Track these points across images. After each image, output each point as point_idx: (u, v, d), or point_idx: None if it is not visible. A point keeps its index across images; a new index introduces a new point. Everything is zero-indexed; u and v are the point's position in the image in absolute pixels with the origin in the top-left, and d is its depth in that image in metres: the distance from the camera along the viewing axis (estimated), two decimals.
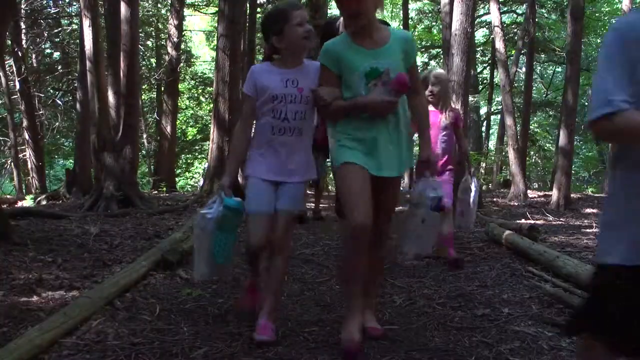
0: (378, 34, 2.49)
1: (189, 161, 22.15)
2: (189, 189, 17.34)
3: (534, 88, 21.54)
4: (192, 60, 20.17)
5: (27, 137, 13.10)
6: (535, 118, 21.36)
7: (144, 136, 17.70)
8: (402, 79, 2.40)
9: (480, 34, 20.80)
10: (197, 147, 21.76)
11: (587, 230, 6.03)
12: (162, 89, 16.34)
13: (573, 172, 12.51)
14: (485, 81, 21.03)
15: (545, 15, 18.76)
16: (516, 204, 9.38)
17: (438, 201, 2.57)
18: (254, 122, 2.69)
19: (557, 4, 17.19)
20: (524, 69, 17.56)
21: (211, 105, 15.18)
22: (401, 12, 17.08)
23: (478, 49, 19.96)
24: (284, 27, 2.53)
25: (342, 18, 3.89)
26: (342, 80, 2.49)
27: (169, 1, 15.92)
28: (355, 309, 2.49)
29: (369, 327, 2.65)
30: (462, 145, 4.45)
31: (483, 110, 19.46)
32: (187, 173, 21.47)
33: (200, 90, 21.15)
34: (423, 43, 19.09)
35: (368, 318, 2.67)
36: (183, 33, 16.47)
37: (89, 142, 9.25)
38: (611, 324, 1.37)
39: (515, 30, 18.78)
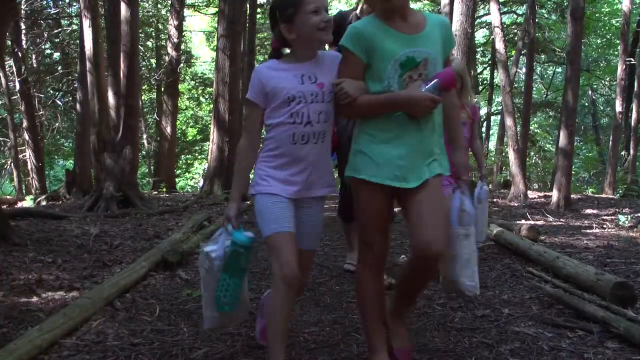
0: (413, 17, 2.09)
1: (189, 162, 22.20)
2: (189, 190, 17.35)
3: (534, 89, 21.56)
4: (192, 60, 20.19)
5: (27, 137, 13.10)
6: (535, 119, 21.37)
7: (144, 137, 17.71)
8: (450, 76, 2.03)
9: (480, 35, 20.82)
10: (197, 148, 21.81)
11: (587, 230, 6.02)
12: (162, 89, 16.36)
13: (573, 172, 12.51)
14: (485, 82, 21.04)
15: (546, 15, 18.77)
16: (516, 204, 9.38)
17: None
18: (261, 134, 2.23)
19: (557, 5, 17.20)
20: (524, 70, 17.55)
21: (211, 106, 15.19)
22: None
23: (478, 50, 19.99)
24: (295, 15, 2.09)
25: (359, 7, 3.78)
26: (370, 70, 2.06)
27: (169, 2, 15.93)
28: (379, 346, 2.19)
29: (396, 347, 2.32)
30: (474, 143, 3.98)
31: (483, 111, 19.42)
32: (187, 174, 21.50)
33: (200, 91, 21.21)
34: None
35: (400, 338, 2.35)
36: (183, 33, 16.49)
37: (89, 143, 9.26)
38: None
39: (516, 30, 18.79)
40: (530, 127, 17.75)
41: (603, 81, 21.95)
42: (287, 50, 2.24)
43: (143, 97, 17.50)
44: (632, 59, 14.39)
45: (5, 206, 8.05)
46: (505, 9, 18.20)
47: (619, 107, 13.74)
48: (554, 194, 8.87)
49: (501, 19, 12.44)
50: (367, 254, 2.19)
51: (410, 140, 2.05)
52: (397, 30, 2.04)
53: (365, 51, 2.03)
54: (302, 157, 2.12)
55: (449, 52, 2.20)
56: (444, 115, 2.18)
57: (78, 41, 11.25)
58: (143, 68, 16.57)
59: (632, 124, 14.11)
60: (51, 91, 15.68)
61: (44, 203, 9.53)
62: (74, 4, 14.52)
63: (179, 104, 18.27)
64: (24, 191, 13.21)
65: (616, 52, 16.65)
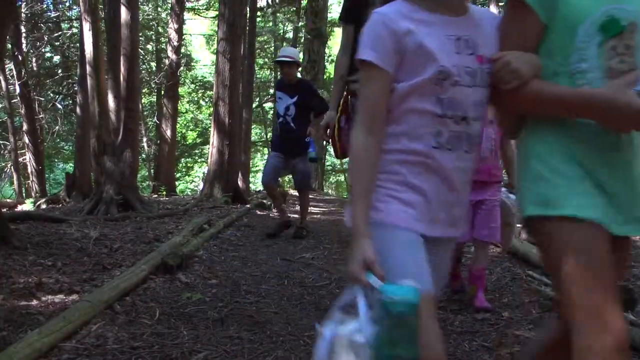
0: None
1: (188, 165, 22.21)
2: (189, 193, 17.36)
3: None
4: (192, 64, 20.24)
5: (27, 140, 13.13)
6: None
7: (144, 140, 17.71)
8: None
9: None
10: (197, 151, 21.82)
11: None
12: (162, 92, 16.39)
13: None
14: None
15: None
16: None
17: None
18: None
19: None
20: None
21: (211, 109, 15.21)
22: None
23: None
24: None
25: None
26: (546, 36, 1.31)
27: (169, 5, 15.97)
28: None
29: None
30: (506, 146, 3.24)
31: None
32: (187, 177, 21.50)
33: (200, 94, 21.24)
34: None
35: None
36: (183, 37, 16.52)
37: (89, 146, 9.27)
38: None
39: None
40: None
41: None
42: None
43: (143, 101, 17.52)
44: None
45: (5, 209, 8.05)
46: None
47: None
48: None
49: None
50: (598, 334, 1.25)
51: (626, 169, 1.31)
52: None
53: (545, 5, 1.28)
54: (444, 170, 1.31)
55: None
56: None
57: (78, 44, 11.28)
58: (143, 71, 16.60)
59: None
60: (51, 94, 15.70)
61: (44, 206, 9.55)
62: (74, 7, 14.57)
63: (179, 107, 18.30)
64: (24, 194, 13.22)
65: None
